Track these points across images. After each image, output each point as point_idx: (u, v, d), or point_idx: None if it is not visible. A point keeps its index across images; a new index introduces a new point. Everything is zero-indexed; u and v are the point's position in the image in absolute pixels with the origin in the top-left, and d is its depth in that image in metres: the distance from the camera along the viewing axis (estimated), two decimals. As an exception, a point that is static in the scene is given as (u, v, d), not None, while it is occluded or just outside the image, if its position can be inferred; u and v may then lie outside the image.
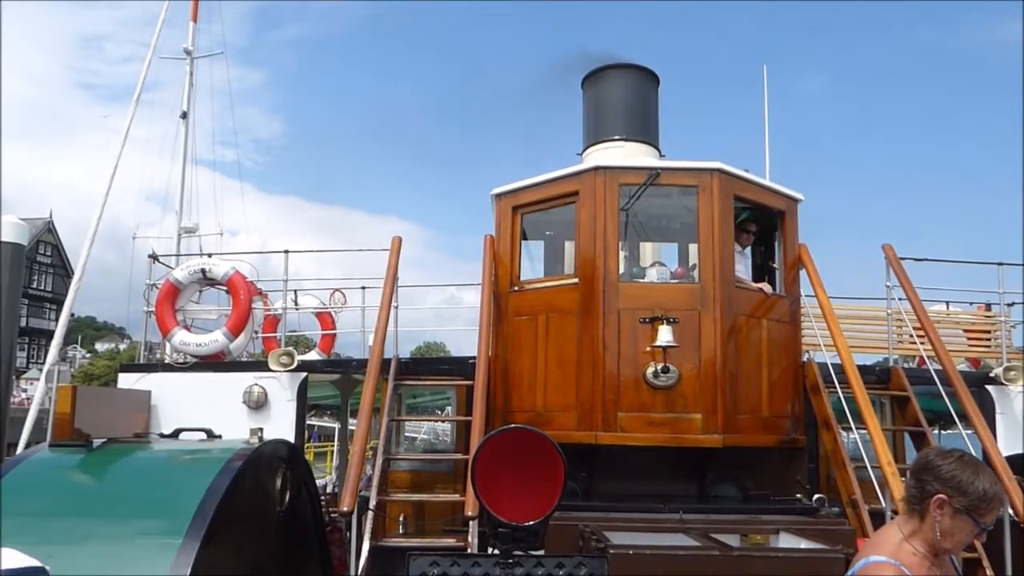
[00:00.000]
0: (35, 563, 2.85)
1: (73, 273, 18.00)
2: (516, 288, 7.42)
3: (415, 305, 11.25)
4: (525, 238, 7.75)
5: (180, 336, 8.98)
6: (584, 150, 8.61)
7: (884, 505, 6.43)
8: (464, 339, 6.89)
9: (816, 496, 6.76)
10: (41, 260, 66.02)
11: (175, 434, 7.02)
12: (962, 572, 2.81)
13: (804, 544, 5.29)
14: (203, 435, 6.85)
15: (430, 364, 8.73)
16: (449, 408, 10.57)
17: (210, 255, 10.22)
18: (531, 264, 8.07)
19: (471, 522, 5.76)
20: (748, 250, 7.73)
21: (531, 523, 3.00)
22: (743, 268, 7.44)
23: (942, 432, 9.79)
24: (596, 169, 6.95)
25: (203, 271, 9.20)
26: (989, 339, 10.33)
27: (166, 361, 9.15)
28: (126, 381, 8.33)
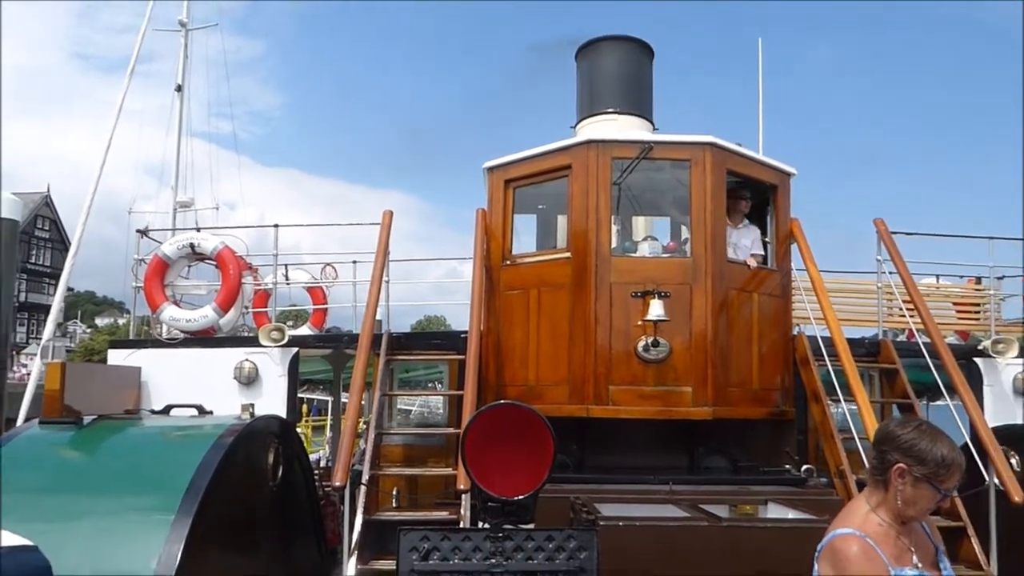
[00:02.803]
0: (26, 542, 2.86)
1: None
2: (508, 262, 7.41)
3: (416, 279, 11.24)
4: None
5: (169, 312, 8.95)
6: (577, 123, 8.55)
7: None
8: (464, 313, 6.97)
9: (804, 467, 6.83)
10: (39, 235, 65.50)
11: (166, 410, 7.05)
12: (932, 536, 2.84)
13: (792, 514, 5.35)
14: (194, 411, 6.88)
15: (422, 339, 8.73)
16: (440, 384, 10.61)
17: (199, 230, 10.16)
18: (523, 238, 8.06)
19: (463, 496, 5.80)
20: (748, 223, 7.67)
21: (521, 497, 3.01)
22: (748, 242, 7.43)
23: (930, 404, 9.86)
24: (589, 142, 6.91)
25: (192, 246, 9.14)
26: (978, 312, 10.40)
27: (155, 337, 9.11)
28: (116, 357, 8.30)
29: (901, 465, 2.65)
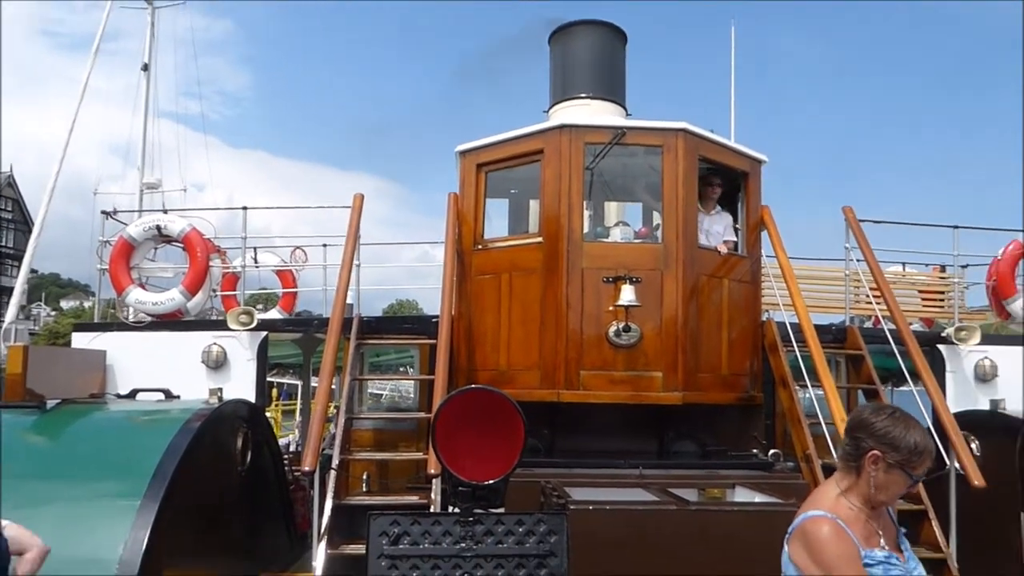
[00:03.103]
0: None
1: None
2: (480, 246, 7.38)
3: (387, 263, 11.20)
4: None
5: (135, 294, 8.81)
6: (550, 107, 8.52)
7: (836, 460, 6.58)
8: (436, 297, 6.95)
9: (772, 451, 6.91)
10: (2, 215, 64.12)
11: (132, 395, 6.97)
12: (897, 521, 2.90)
13: (759, 498, 5.42)
14: (161, 396, 6.80)
15: (393, 323, 8.70)
16: (411, 368, 10.57)
17: (165, 211, 10.00)
18: (495, 222, 8.03)
19: (434, 480, 5.80)
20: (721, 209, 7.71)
21: (491, 481, 3.01)
22: (721, 228, 7.47)
23: (894, 389, 10.03)
24: (561, 127, 6.89)
25: (158, 228, 8.99)
26: (943, 300, 10.58)
27: (121, 320, 8.97)
28: (80, 341, 8.17)
29: (876, 452, 2.68)
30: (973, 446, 6.77)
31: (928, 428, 6.82)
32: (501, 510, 3.07)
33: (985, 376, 8.25)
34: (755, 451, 7.03)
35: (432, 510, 5.81)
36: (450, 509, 3.15)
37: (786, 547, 2.80)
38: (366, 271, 8.90)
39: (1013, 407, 7.42)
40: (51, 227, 16.98)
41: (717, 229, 7.44)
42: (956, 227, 9.09)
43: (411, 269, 13.00)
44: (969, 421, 7.08)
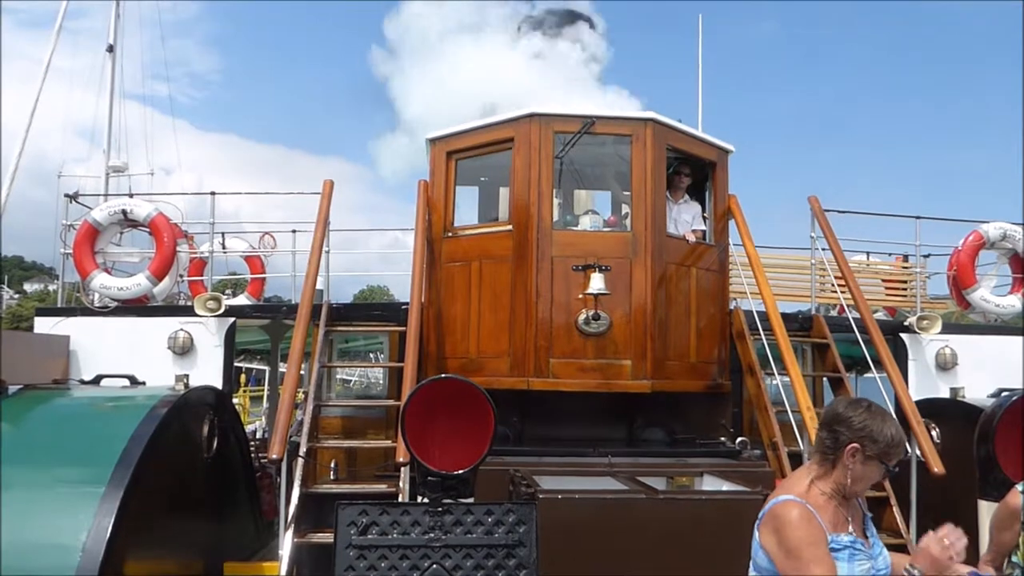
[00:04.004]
0: None
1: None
2: (450, 234, 7.36)
3: (357, 249, 11.13)
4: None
5: (100, 279, 8.66)
6: (520, 95, 8.49)
7: (802, 447, 6.70)
8: (407, 283, 6.97)
9: (739, 439, 7.00)
10: (-38, 198, 62.35)
11: (96, 380, 6.86)
12: (862, 505, 2.96)
13: (726, 486, 5.49)
14: (126, 382, 6.71)
15: (362, 310, 8.64)
16: (380, 354, 10.53)
17: (131, 195, 9.82)
18: (464, 210, 8.01)
19: (403, 468, 5.79)
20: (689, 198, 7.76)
21: (461, 472, 3.02)
22: (689, 217, 7.52)
23: (859, 377, 10.19)
24: (531, 116, 6.88)
25: (124, 212, 8.83)
26: (906, 289, 10.75)
27: (86, 305, 8.81)
28: (43, 325, 8.02)
29: (855, 445, 2.76)
30: (933, 433, 6.90)
31: (889, 411, 6.97)
32: (470, 500, 3.08)
33: (946, 364, 8.40)
34: (723, 439, 7.11)
35: (401, 499, 5.80)
36: (419, 499, 3.15)
37: (756, 533, 2.86)
38: (337, 256, 8.84)
39: (972, 395, 7.58)
40: (14, 209, 16.68)
41: (686, 218, 7.49)
42: (918, 217, 9.23)
43: (382, 255, 12.94)
44: (930, 409, 7.22)
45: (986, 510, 4.90)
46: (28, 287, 79.86)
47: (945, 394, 7.91)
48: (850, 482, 2.78)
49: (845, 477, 2.78)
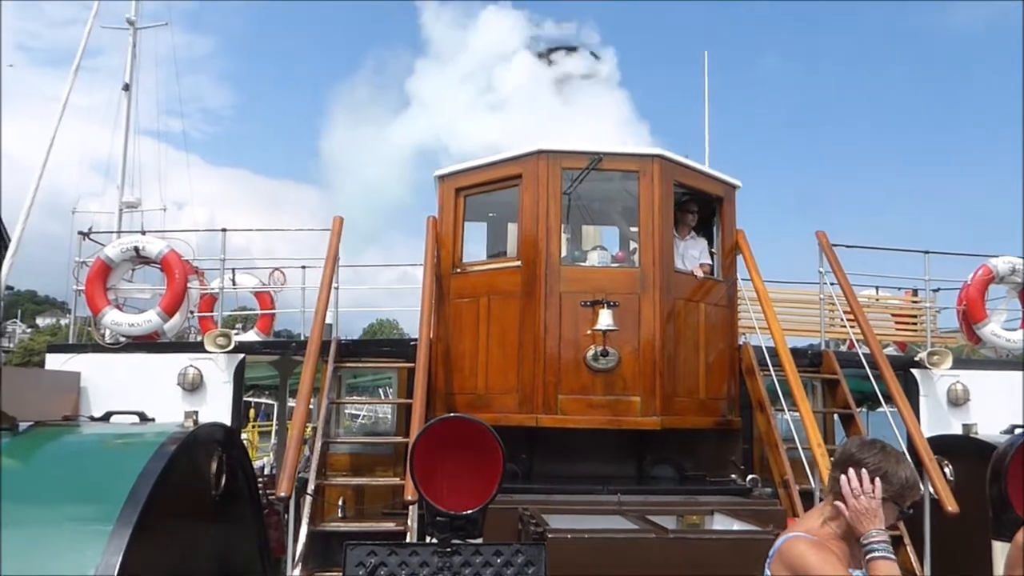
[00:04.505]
0: None
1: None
2: (458, 270, 7.40)
3: (365, 284, 11.17)
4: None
5: (112, 316, 8.71)
6: (528, 132, 8.57)
7: (814, 485, 6.63)
8: (416, 317, 7.04)
9: (750, 476, 6.94)
10: (-22, 233, 62.97)
11: (106, 417, 6.86)
12: None
13: (737, 525, 5.43)
14: (135, 418, 6.71)
15: (371, 346, 8.67)
16: (389, 388, 10.52)
17: (143, 232, 9.91)
18: (472, 246, 8.04)
19: (411, 506, 5.76)
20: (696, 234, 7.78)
21: (470, 511, 3.01)
22: (696, 253, 7.54)
23: (869, 413, 10.11)
24: (539, 152, 6.94)
25: (136, 249, 8.91)
26: (916, 324, 10.70)
27: (97, 341, 8.86)
28: (54, 362, 8.06)
29: None
30: (947, 471, 6.83)
31: (903, 452, 6.90)
32: (479, 540, 3.07)
33: (957, 400, 8.34)
34: (733, 476, 7.05)
35: (409, 538, 5.77)
36: (427, 538, 3.14)
37: (767, 571, 2.83)
38: (346, 290, 8.88)
39: (985, 431, 7.50)
40: (28, 243, 16.77)
41: (693, 253, 7.51)
42: (927, 252, 9.22)
43: (391, 289, 12.97)
44: (942, 445, 7.14)
45: (1000, 551, 4.81)
46: (40, 321, 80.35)
47: (957, 430, 7.82)
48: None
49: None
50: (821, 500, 3.01)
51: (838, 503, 2.73)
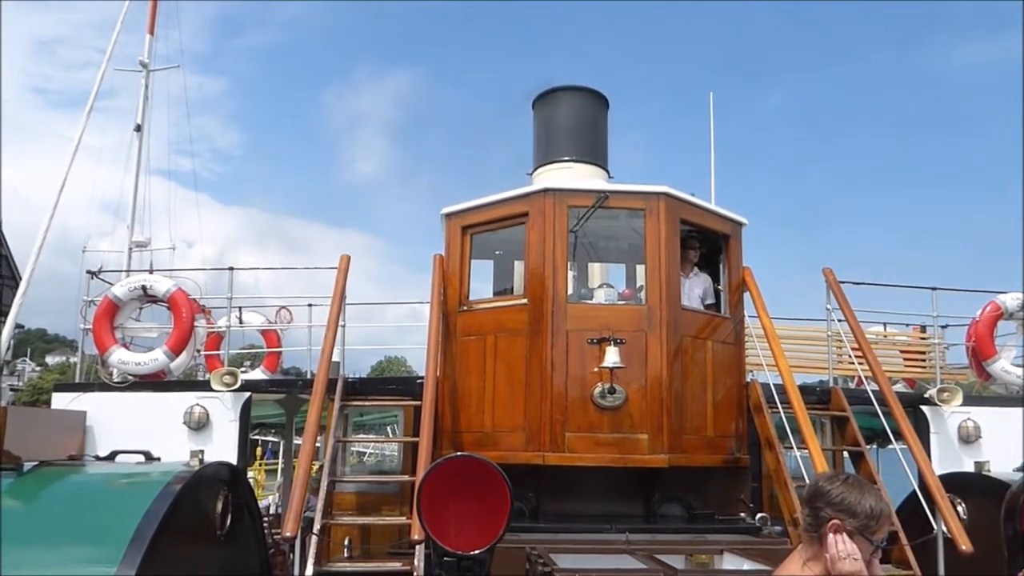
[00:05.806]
0: None
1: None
2: (465, 307, 7.41)
3: (372, 321, 11.16)
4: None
5: (119, 354, 8.72)
6: (534, 170, 8.66)
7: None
8: (423, 354, 7.05)
9: (759, 515, 6.86)
10: (-11, 271, 63.41)
11: (111, 456, 6.85)
12: None
13: (747, 565, 5.36)
14: (141, 457, 6.69)
15: (377, 384, 8.64)
16: (396, 426, 10.47)
17: (151, 271, 9.97)
18: (478, 283, 8.07)
19: (417, 546, 5.70)
20: (699, 271, 7.79)
21: (477, 552, 2.98)
22: (700, 291, 7.55)
23: (879, 450, 10.01)
24: (545, 191, 7.00)
25: (144, 288, 8.96)
26: (924, 360, 10.63)
27: (104, 380, 8.86)
28: (61, 401, 8.06)
29: (836, 521, 2.66)
30: (960, 509, 6.75)
31: (914, 490, 6.82)
32: (486, 580, 3.04)
33: (969, 437, 8.26)
34: (742, 514, 6.98)
35: (415, 578, 5.70)
36: (434, 579, 3.11)
37: None
38: (354, 328, 8.88)
39: (997, 469, 7.42)
40: (39, 282, 16.90)
41: (696, 292, 7.53)
42: (935, 288, 9.19)
43: (398, 326, 12.99)
44: (955, 483, 7.07)
45: (1016, 590, 4.75)
46: (50, 359, 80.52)
47: (969, 467, 7.75)
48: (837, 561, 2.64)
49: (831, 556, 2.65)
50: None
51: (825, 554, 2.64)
